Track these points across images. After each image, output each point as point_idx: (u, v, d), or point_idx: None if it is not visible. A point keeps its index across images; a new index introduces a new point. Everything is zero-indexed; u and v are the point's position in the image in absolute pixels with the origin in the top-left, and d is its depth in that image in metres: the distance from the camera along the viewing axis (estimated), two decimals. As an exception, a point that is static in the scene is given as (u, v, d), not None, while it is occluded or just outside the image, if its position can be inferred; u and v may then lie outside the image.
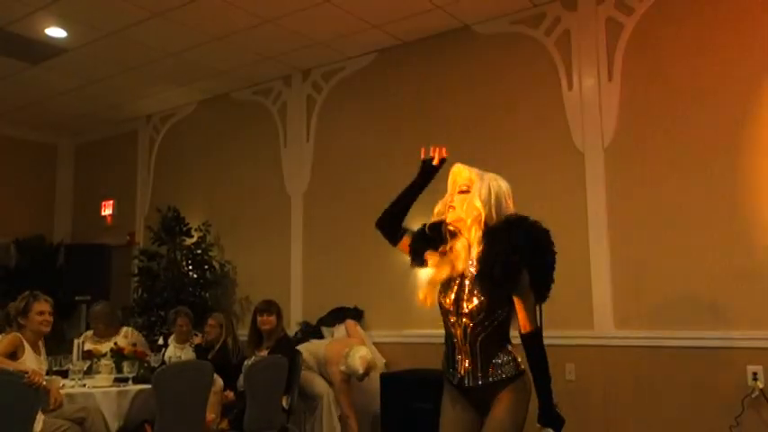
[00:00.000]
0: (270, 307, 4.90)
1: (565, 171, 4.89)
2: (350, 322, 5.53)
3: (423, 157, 2.81)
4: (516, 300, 2.46)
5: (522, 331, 2.49)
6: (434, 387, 4.70)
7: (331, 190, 6.18)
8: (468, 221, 2.51)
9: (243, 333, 5.33)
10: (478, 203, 2.50)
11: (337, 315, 5.68)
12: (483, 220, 2.50)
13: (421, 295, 2.66)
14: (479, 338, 2.49)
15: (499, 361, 2.49)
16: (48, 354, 4.18)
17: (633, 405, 4.44)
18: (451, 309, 2.54)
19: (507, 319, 2.53)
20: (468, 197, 2.53)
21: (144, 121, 7.83)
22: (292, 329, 5.86)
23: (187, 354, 5.14)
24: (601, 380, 4.59)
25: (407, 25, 5.47)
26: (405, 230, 2.78)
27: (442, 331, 4.53)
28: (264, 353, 4.77)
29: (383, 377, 5.09)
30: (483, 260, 2.45)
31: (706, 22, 4.48)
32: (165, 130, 7.67)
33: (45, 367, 3.92)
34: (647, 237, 4.55)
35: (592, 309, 4.65)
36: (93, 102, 7.28)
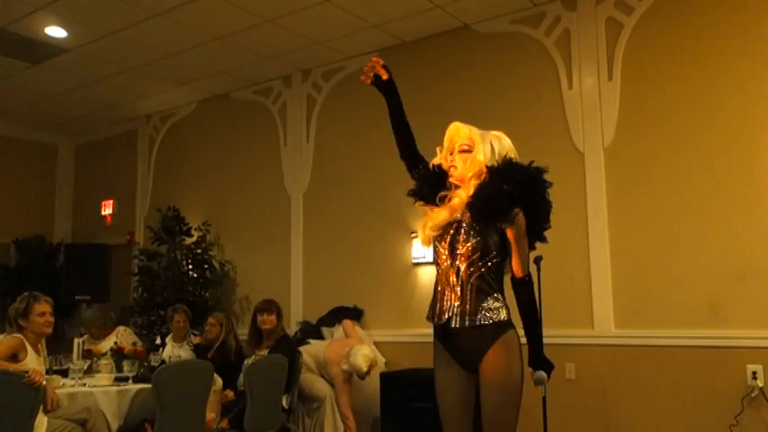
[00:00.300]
0: (270, 306, 4.91)
1: (565, 171, 4.89)
2: (347, 322, 5.53)
3: (369, 82, 3.00)
4: (512, 242, 2.48)
5: (515, 275, 2.53)
6: (433, 386, 4.72)
7: (331, 189, 6.18)
8: (469, 175, 2.56)
9: (243, 332, 5.33)
10: (479, 163, 2.54)
11: (337, 314, 5.69)
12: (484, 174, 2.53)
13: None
14: (471, 279, 2.51)
15: (489, 305, 2.50)
16: (48, 353, 4.18)
17: (633, 404, 4.44)
18: (446, 251, 2.57)
19: (501, 267, 2.56)
20: (471, 156, 2.58)
21: (144, 121, 7.84)
22: (292, 329, 5.86)
23: (186, 352, 5.15)
24: (601, 379, 4.59)
25: (407, 25, 5.47)
26: (424, 162, 2.80)
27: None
28: (264, 352, 4.77)
29: (383, 376, 5.09)
30: (476, 192, 2.49)
31: (706, 22, 4.48)
32: (165, 130, 7.68)
33: (45, 367, 3.92)
34: (646, 236, 4.55)
35: (592, 308, 4.66)
36: (93, 102, 7.28)
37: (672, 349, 4.38)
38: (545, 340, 2.66)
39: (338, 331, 5.57)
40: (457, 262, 2.54)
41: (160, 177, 7.65)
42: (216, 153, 7.11)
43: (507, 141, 2.66)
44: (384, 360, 5.46)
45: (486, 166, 2.53)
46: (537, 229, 2.52)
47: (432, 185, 2.69)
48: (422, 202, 2.74)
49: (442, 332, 2.60)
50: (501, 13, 5.25)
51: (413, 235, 5.50)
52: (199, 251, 6.71)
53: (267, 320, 4.85)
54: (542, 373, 2.54)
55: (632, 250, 4.58)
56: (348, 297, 5.76)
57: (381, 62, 2.85)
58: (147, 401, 3.98)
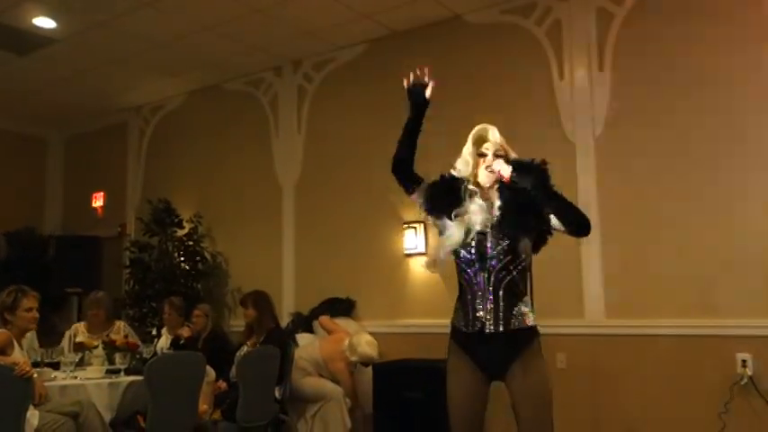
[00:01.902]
0: (244, 300, 4.94)
1: (556, 161, 4.83)
2: (323, 319, 5.42)
3: (407, 86, 2.93)
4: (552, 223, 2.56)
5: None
6: (426, 377, 4.77)
7: (323, 180, 6.17)
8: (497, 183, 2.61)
9: (235, 324, 5.35)
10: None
11: (329, 306, 5.68)
12: None
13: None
14: (503, 283, 2.53)
15: (520, 310, 2.54)
16: (39, 346, 4.16)
17: (623, 393, 4.47)
18: (475, 257, 2.56)
19: (527, 269, 2.59)
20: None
21: (134, 113, 7.79)
22: (284, 320, 5.86)
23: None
24: (591, 368, 4.62)
25: (398, 15, 5.45)
26: (420, 180, 2.80)
27: (435, 321, 4.57)
28: (256, 344, 4.77)
29: (376, 367, 5.11)
30: (509, 205, 2.56)
31: (696, 13, 4.49)
32: (155, 122, 7.64)
33: (30, 361, 3.89)
34: (636, 226, 4.57)
35: (582, 298, 4.68)
36: (83, 93, 7.23)
37: (662, 338, 4.41)
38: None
39: (318, 330, 5.53)
40: (489, 264, 2.54)
41: (151, 169, 7.62)
42: (207, 144, 7.08)
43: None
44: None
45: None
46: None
47: (448, 199, 2.67)
48: (433, 217, 2.72)
49: (470, 339, 2.57)
50: (492, 3, 5.24)
51: (405, 226, 5.51)
52: (190, 243, 6.70)
53: (245, 315, 4.89)
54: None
55: (622, 240, 4.60)
56: (340, 288, 5.76)
57: (428, 75, 2.91)
58: (139, 393, 3.98)
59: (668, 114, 4.53)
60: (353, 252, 5.79)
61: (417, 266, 5.47)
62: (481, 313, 2.54)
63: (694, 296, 4.32)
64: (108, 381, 4.03)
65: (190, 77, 6.84)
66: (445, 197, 2.67)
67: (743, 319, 4.13)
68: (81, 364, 4.41)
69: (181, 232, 6.78)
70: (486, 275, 2.54)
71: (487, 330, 2.52)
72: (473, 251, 2.56)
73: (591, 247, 4.65)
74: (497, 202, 2.59)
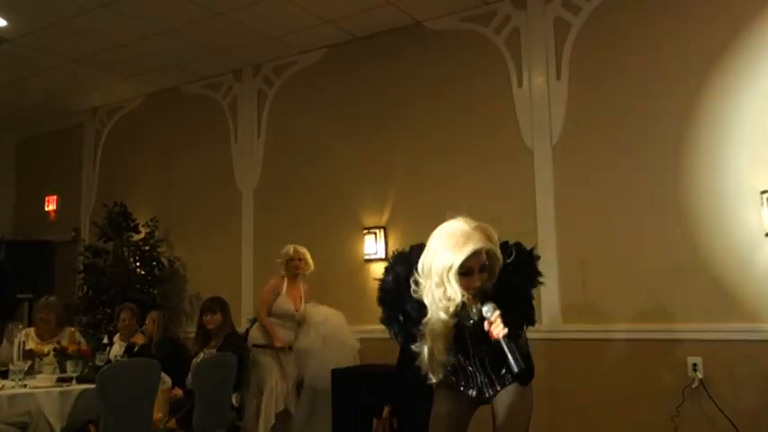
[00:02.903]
0: (213, 305, 4.86)
1: (515, 168, 4.96)
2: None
3: None
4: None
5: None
6: (382, 382, 4.77)
7: (283, 186, 6.13)
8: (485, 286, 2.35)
9: (192, 330, 5.27)
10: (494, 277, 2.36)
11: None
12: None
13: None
14: (491, 362, 2.52)
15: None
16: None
17: (580, 397, 4.53)
18: (461, 355, 2.52)
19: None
20: (488, 273, 2.34)
21: (89, 115, 7.63)
22: (243, 326, 5.78)
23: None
24: (548, 373, 4.66)
25: (359, 21, 5.46)
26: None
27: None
28: (213, 350, 4.71)
29: (334, 372, 5.08)
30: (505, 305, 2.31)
31: (652, 20, 4.59)
32: (111, 124, 7.50)
33: None
34: (592, 233, 4.65)
35: (540, 304, 4.72)
36: (36, 94, 7.06)
37: (617, 343, 4.49)
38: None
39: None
40: (471, 356, 2.51)
41: (106, 172, 7.47)
42: (165, 148, 6.97)
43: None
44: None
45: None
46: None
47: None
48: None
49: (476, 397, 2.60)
50: (452, 10, 5.28)
51: (365, 231, 5.50)
52: (147, 248, 6.58)
53: (212, 320, 4.82)
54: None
55: (578, 246, 4.67)
56: (299, 294, 5.71)
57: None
58: (91, 402, 3.88)
59: (623, 122, 4.61)
60: (313, 257, 5.73)
61: (377, 272, 5.46)
62: (474, 382, 2.57)
63: (648, 301, 4.40)
64: (59, 389, 3.92)
65: (148, 79, 6.73)
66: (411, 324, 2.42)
67: (694, 324, 4.22)
68: (31, 372, 4.28)
69: (137, 237, 6.65)
70: (473, 363, 2.54)
71: (487, 396, 2.57)
72: (459, 354, 2.51)
73: (549, 253, 4.71)
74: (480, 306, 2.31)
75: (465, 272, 2.26)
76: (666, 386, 4.26)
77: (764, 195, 4.05)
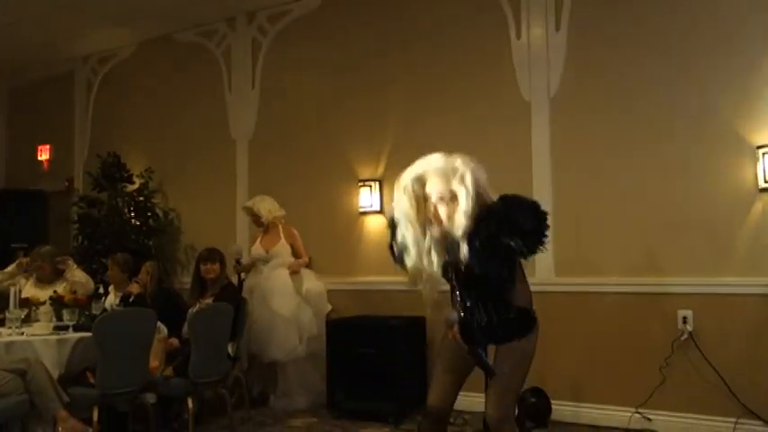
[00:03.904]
0: (213, 255, 4.86)
1: (512, 120, 4.93)
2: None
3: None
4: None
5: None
6: (378, 332, 4.83)
7: (277, 135, 6.08)
8: (459, 234, 2.38)
9: (188, 281, 5.29)
10: (467, 220, 2.36)
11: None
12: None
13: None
14: (489, 296, 2.54)
15: (509, 304, 2.55)
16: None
17: (571, 349, 4.60)
18: (454, 281, 2.53)
19: (512, 270, 2.53)
20: (455, 211, 2.39)
21: (81, 63, 7.51)
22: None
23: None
24: (541, 324, 4.71)
25: (356, -32, 5.34)
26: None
27: (389, 278, 4.59)
28: (209, 300, 4.74)
29: (329, 323, 5.15)
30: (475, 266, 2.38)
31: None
32: (103, 73, 7.38)
33: None
34: (586, 187, 4.66)
35: (534, 257, 4.75)
36: (26, 41, 6.91)
37: (608, 296, 4.54)
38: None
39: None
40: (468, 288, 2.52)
41: (99, 122, 7.39)
42: (158, 97, 6.88)
43: (482, 174, 2.45)
44: (330, 307, 5.47)
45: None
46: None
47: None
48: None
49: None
50: (451, -42, 5.16)
51: (360, 184, 5.49)
52: (141, 198, 6.56)
53: (211, 270, 4.82)
54: (453, 315, 2.56)
55: (573, 200, 4.68)
56: (294, 245, 5.73)
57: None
58: (88, 350, 3.93)
59: (621, 77, 4.57)
60: (308, 209, 5.76)
61: (372, 224, 5.48)
62: (476, 318, 2.55)
63: (640, 255, 4.44)
64: (56, 337, 3.96)
65: (139, 26, 6.60)
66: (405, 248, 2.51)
67: (685, 278, 4.27)
68: (27, 320, 4.31)
69: (131, 187, 6.63)
70: (471, 293, 2.53)
71: (484, 324, 2.53)
72: (452, 277, 2.53)
73: (543, 205, 4.71)
74: (465, 249, 2.38)
75: (426, 196, 2.42)
76: (656, 338, 4.33)
77: (760, 150, 4.05)
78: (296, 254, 5.35)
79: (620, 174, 4.54)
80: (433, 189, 2.43)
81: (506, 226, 2.33)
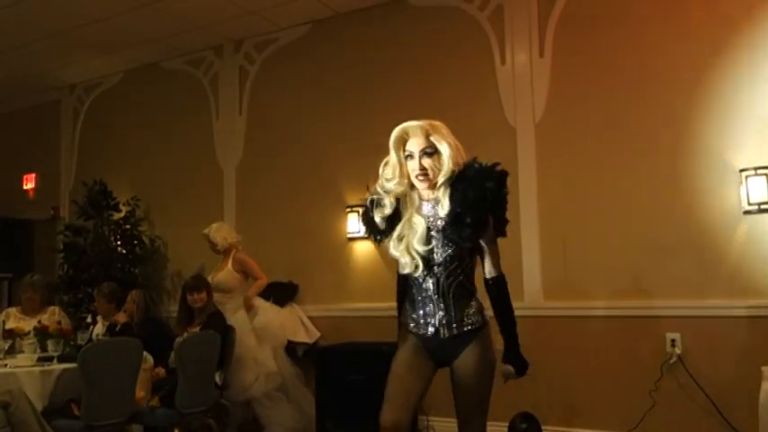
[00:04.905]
0: (199, 284, 4.83)
1: (498, 146, 4.94)
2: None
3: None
4: (485, 246, 2.54)
5: (490, 276, 2.56)
6: (367, 359, 4.79)
7: (265, 163, 6.09)
8: (441, 181, 2.52)
9: (175, 309, 5.24)
10: (451, 165, 2.50)
11: (271, 290, 5.63)
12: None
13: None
14: (452, 288, 2.53)
15: (470, 311, 2.55)
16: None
17: (560, 372, 4.58)
18: (421, 262, 2.53)
19: (472, 268, 2.59)
20: (439, 160, 2.52)
21: (67, 91, 7.50)
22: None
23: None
24: (530, 350, 4.68)
25: (342, -4, 5.40)
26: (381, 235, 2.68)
27: (378, 304, 4.56)
28: (196, 329, 4.69)
29: (318, 351, 5.11)
30: (455, 211, 2.47)
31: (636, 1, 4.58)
32: (90, 101, 7.38)
33: None
34: (574, 211, 4.68)
35: (522, 281, 4.76)
36: (12, 69, 6.90)
37: (597, 319, 4.54)
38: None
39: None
40: (436, 270, 2.52)
41: (85, 150, 7.37)
42: (145, 125, 6.88)
43: (448, 131, 2.62)
44: (318, 334, 5.44)
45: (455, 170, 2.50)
46: (503, 229, 2.57)
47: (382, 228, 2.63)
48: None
49: (423, 337, 2.59)
50: (436, -14, 5.23)
51: (348, 209, 5.49)
52: (128, 226, 6.52)
53: (198, 299, 4.78)
54: (509, 367, 2.62)
55: (560, 224, 4.70)
56: (282, 272, 5.70)
57: None
58: (73, 381, 3.87)
59: (606, 101, 4.63)
60: (296, 236, 5.75)
61: (360, 250, 5.47)
62: (433, 320, 2.55)
63: (627, 279, 4.45)
64: (40, 369, 3.91)
65: (127, 55, 6.62)
66: (378, 228, 2.63)
67: (672, 301, 4.29)
68: (12, 351, 4.25)
69: (117, 216, 6.59)
70: (435, 281, 2.53)
71: (443, 336, 2.54)
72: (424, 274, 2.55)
73: (530, 231, 4.75)
74: (446, 202, 2.50)
75: (409, 155, 2.55)
76: (645, 362, 4.33)
77: (743, 174, 4.10)
78: (253, 277, 5.34)
79: (607, 198, 4.57)
80: (415, 145, 2.55)
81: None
